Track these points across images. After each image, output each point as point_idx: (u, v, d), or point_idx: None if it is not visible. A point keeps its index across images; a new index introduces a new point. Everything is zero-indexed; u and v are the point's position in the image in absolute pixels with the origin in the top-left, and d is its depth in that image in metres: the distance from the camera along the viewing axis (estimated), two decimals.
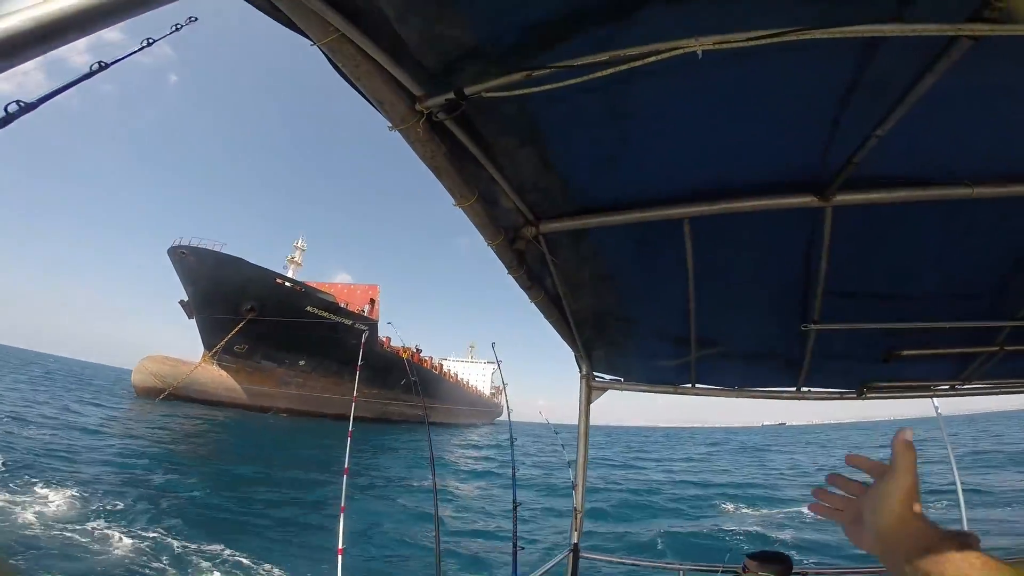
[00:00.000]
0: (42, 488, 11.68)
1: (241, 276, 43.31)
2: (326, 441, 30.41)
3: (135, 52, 3.94)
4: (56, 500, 11.06)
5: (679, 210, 2.37)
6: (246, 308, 43.35)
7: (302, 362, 48.44)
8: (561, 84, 1.64)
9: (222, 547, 9.75)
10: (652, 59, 1.50)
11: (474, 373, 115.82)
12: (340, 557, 3.32)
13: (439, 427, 68.43)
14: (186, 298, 47.11)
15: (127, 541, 9.41)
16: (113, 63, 3.20)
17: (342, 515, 3.28)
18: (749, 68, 1.69)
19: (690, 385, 4.27)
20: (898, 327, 3.06)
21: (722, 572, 4.12)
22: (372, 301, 56.44)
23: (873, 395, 4.04)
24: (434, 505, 3.75)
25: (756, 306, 3.21)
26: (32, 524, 9.46)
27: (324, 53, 1.53)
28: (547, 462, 31.44)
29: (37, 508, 10.38)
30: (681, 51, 1.47)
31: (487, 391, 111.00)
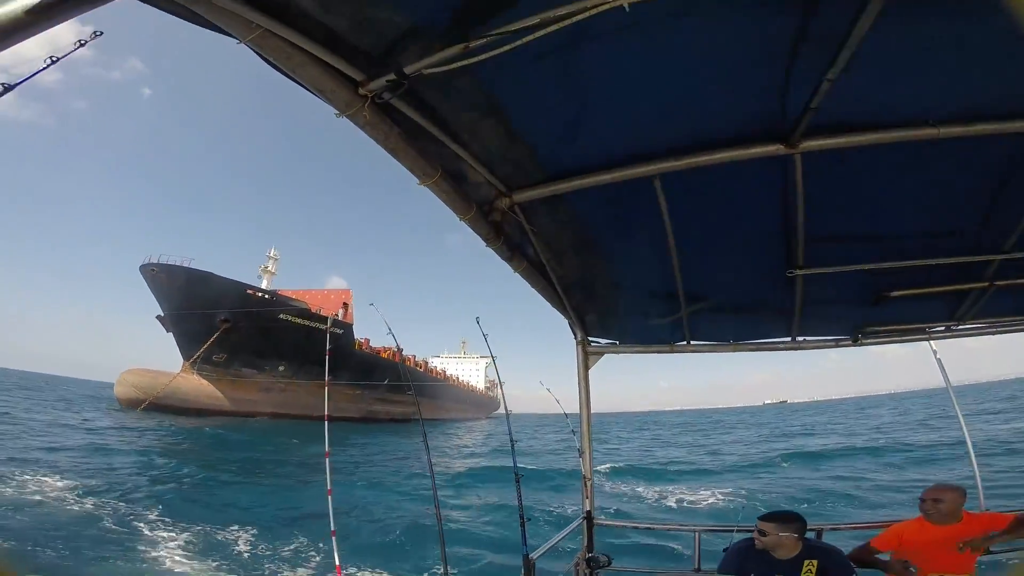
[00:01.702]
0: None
1: (212, 290, 45.31)
2: (315, 439, 32.01)
3: (41, 71, 3.76)
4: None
5: (648, 168, 2.43)
6: (220, 319, 45.22)
7: (281, 368, 50.19)
8: (500, 51, 1.67)
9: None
10: (580, 16, 1.54)
11: (467, 369, 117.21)
12: (334, 539, 3.40)
13: (429, 424, 69.25)
14: (162, 313, 49.08)
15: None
16: (16, 84, 3.04)
17: (330, 497, 3.32)
18: (694, 25, 1.75)
19: (685, 343, 4.34)
20: (886, 267, 3.09)
21: (736, 531, 4.00)
22: (345, 305, 58.39)
23: (869, 340, 4.07)
24: (432, 490, 3.73)
25: (740, 257, 3.25)
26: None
27: (252, 49, 1.60)
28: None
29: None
30: (608, 6, 1.49)
31: (481, 386, 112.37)
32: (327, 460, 3.49)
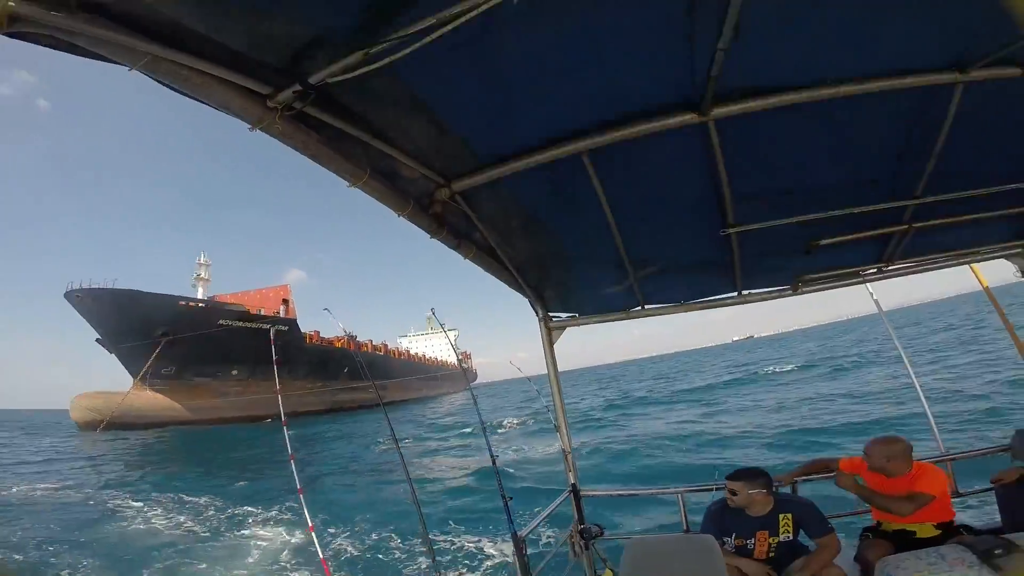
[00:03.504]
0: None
1: (142, 307, 46.09)
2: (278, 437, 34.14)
3: None
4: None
5: (576, 145, 2.48)
6: (158, 333, 46.26)
7: (235, 372, 51.56)
8: (403, 54, 1.69)
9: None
10: (472, 13, 1.59)
11: (436, 344, 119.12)
12: (313, 533, 3.37)
13: (397, 405, 71.60)
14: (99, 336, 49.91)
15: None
16: None
17: (301, 496, 3.31)
18: (594, 2, 1.80)
19: (640, 308, 4.52)
20: (812, 218, 3.23)
21: (715, 490, 4.14)
22: (285, 301, 59.50)
23: (807, 288, 4.30)
24: (404, 472, 3.66)
25: (676, 221, 3.35)
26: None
27: (147, 75, 1.59)
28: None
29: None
30: (495, 1, 1.54)
31: (453, 359, 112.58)
32: (292, 463, 3.40)
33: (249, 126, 1.77)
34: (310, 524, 3.42)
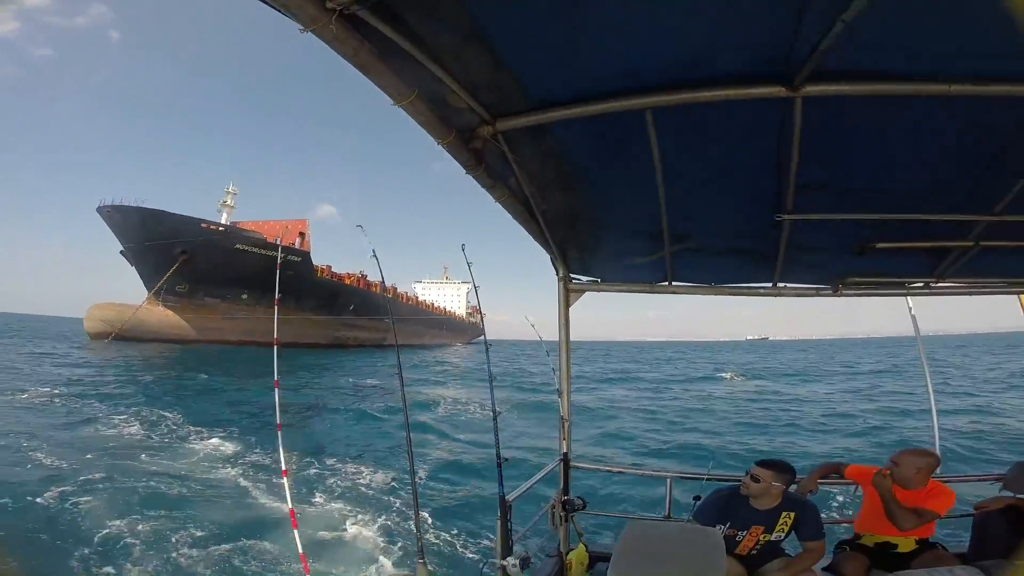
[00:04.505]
0: None
1: (166, 225, 47.72)
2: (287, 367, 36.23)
3: None
4: None
5: (641, 100, 2.30)
6: (177, 252, 47.60)
7: (244, 296, 52.75)
8: None
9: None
10: None
11: (448, 295, 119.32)
12: (285, 479, 2.93)
13: (401, 350, 72.51)
14: (123, 248, 51.86)
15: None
16: None
17: (279, 433, 3.00)
18: None
19: (666, 283, 4.26)
20: (872, 218, 3.04)
21: (706, 479, 4.09)
22: (302, 234, 60.27)
23: (848, 291, 4.05)
24: (405, 423, 3.48)
25: (728, 198, 3.15)
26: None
27: None
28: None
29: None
30: None
31: (462, 312, 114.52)
32: (276, 391, 3.15)
33: (301, 28, 1.65)
34: (283, 469, 3.07)
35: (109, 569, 6.64)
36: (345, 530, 8.37)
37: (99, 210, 49.58)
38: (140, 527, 7.77)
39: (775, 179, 2.80)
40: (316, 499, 9.79)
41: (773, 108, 2.27)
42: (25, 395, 18.55)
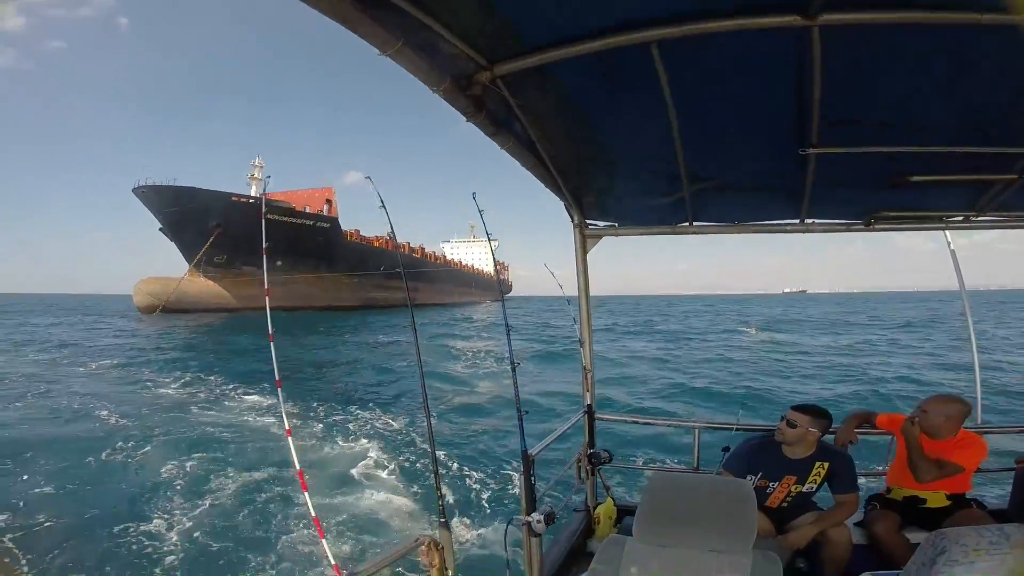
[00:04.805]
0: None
1: (199, 201, 50.73)
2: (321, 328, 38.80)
3: None
4: None
5: (645, 34, 2.10)
6: (212, 225, 50.52)
7: (279, 263, 55.33)
8: None
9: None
10: None
11: (476, 253, 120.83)
12: (290, 438, 2.24)
13: (428, 308, 76.30)
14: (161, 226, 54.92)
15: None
16: None
17: (279, 389, 2.28)
18: None
19: (687, 223, 4.13)
20: (907, 151, 2.86)
21: (736, 430, 4.00)
22: (328, 201, 62.99)
23: (882, 225, 3.89)
24: (420, 381, 2.83)
25: (749, 134, 2.98)
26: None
27: None
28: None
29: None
30: None
31: (490, 269, 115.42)
32: (271, 345, 2.44)
33: None
34: (287, 427, 2.54)
35: (158, 509, 7.41)
36: (361, 489, 8.39)
37: (135, 191, 52.68)
38: (187, 468, 8.89)
39: (797, 114, 2.62)
40: (332, 452, 10.27)
41: (789, 40, 2.10)
42: (92, 366, 20.79)
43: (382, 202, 2.98)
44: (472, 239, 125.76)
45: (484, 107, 2.51)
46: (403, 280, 3.07)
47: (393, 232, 3.04)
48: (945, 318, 45.09)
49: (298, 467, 2.03)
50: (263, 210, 2.75)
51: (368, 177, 3.00)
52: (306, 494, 2.05)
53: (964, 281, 5.20)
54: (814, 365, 21.80)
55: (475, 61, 2.26)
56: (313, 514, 2.01)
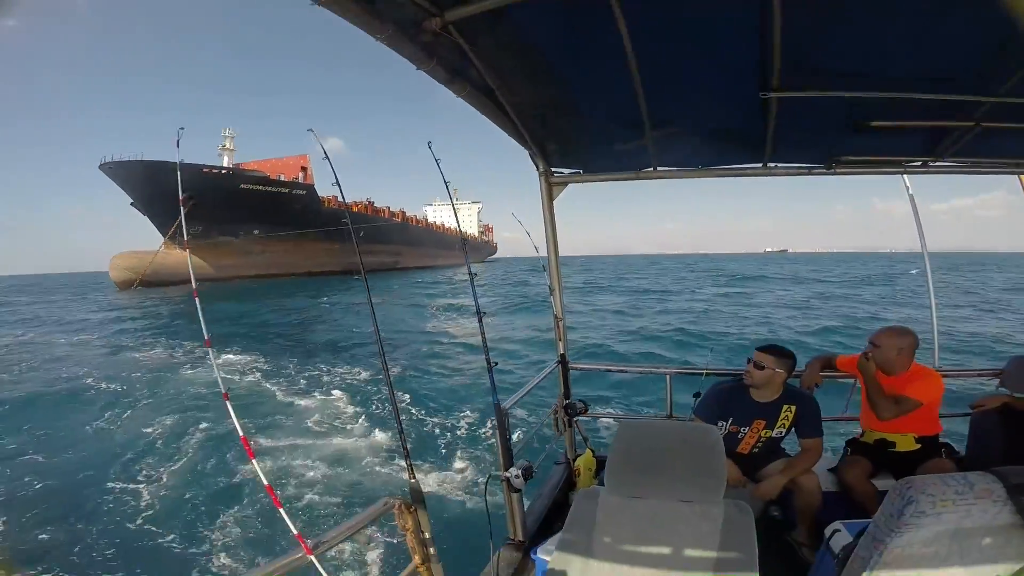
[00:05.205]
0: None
1: (168, 173, 49.06)
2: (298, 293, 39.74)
3: None
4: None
5: None
6: (184, 197, 49.43)
7: (256, 231, 55.65)
8: None
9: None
10: None
11: (460, 215, 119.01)
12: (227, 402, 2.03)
13: (411, 271, 77.43)
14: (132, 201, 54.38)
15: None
16: None
17: (210, 349, 2.02)
18: None
19: (651, 168, 4.13)
20: (868, 96, 2.85)
21: (705, 375, 4.08)
22: (303, 169, 62.33)
23: (843, 169, 3.95)
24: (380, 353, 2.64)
25: (710, 79, 2.90)
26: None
27: None
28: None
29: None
30: None
31: (473, 231, 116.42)
32: (197, 300, 2.30)
33: None
34: (224, 391, 2.10)
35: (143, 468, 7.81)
36: (328, 449, 8.38)
37: (101, 167, 51.79)
38: (167, 426, 9.46)
39: (756, 59, 2.57)
40: (299, 408, 10.52)
41: None
42: (74, 340, 21.32)
43: (325, 154, 2.81)
44: (457, 202, 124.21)
45: (435, 54, 2.39)
46: (353, 237, 2.74)
47: (338, 182, 2.75)
48: (910, 277, 46.15)
49: (240, 433, 1.83)
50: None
51: (310, 129, 2.80)
52: (254, 461, 1.86)
53: (924, 232, 5.24)
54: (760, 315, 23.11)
55: (421, 7, 2.12)
56: (265, 482, 1.79)
